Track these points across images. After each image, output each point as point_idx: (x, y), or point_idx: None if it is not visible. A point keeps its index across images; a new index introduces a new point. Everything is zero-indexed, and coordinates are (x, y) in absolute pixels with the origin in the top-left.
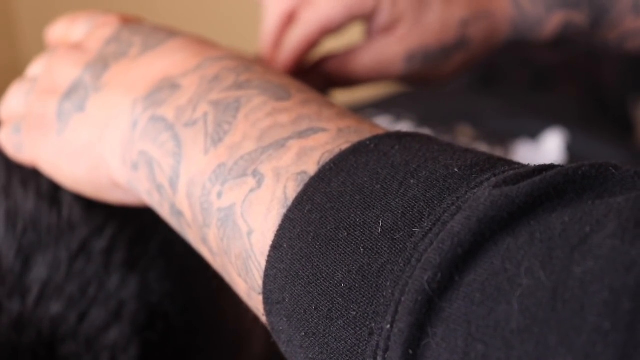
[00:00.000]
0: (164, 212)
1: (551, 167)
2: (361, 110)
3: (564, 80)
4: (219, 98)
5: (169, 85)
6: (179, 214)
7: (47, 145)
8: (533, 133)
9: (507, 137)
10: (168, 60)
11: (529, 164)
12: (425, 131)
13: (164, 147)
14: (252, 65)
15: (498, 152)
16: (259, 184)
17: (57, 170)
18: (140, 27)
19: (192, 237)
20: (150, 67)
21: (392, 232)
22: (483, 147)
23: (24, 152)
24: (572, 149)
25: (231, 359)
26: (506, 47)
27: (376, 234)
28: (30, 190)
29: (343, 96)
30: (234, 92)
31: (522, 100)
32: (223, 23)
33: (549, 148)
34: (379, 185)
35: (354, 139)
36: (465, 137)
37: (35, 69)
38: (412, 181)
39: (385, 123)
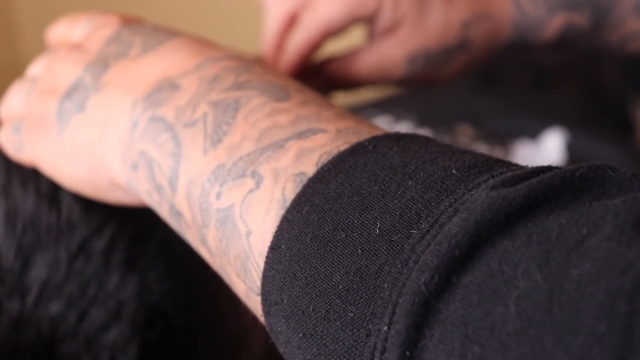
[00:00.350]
0: (164, 212)
1: (549, 168)
2: (361, 111)
3: (564, 80)
4: (219, 99)
5: (169, 86)
6: (178, 214)
7: (47, 145)
8: (533, 133)
9: (507, 137)
10: (168, 61)
11: (527, 166)
12: (425, 131)
13: (164, 148)
14: (252, 66)
15: (498, 152)
16: (258, 184)
17: (57, 170)
18: (140, 28)
19: (191, 237)
20: (151, 68)
21: (389, 233)
22: (483, 147)
23: (24, 152)
24: (572, 149)
25: (230, 359)
26: (507, 48)
27: (374, 235)
28: (29, 190)
29: (343, 97)
30: (234, 93)
31: (522, 100)
32: (223, 23)
33: (549, 148)
34: (377, 187)
35: (353, 139)
36: (465, 137)
37: (36, 69)
38: (410, 183)
39: (385, 123)
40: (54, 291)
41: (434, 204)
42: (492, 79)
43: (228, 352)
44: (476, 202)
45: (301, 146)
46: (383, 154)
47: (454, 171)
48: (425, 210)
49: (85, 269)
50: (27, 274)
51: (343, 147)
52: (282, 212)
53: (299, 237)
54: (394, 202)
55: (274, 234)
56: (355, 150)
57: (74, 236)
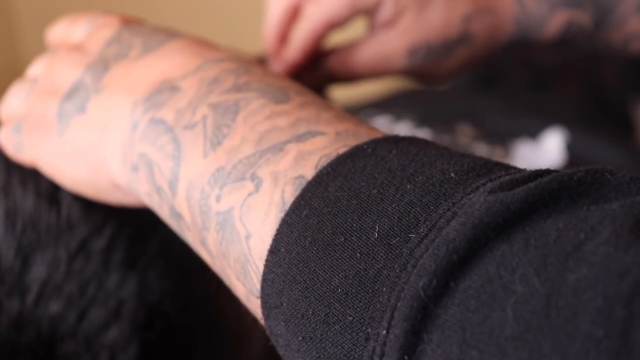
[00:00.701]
0: (164, 214)
1: (547, 172)
2: (361, 110)
3: (564, 80)
4: (219, 101)
5: (169, 88)
6: (178, 216)
7: (47, 146)
8: (533, 133)
9: (507, 137)
10: (168, 62)
11: (525, 169)
12: (425, 131)
13: (164, 150)
14: (252, 67)
15: (498, 151)
16: (257, 187)
17: (57, 171)
18: (140, 28)
19: (191, 239)
20: (151, 69)
21: (388, 237)
22: (483, 147)
23: (24, 152)
24: (572, 149)
25: (230, 358)
26: (509, 45)
27: (372, 239)
28: (29, 190)
29: (343, 95)
30: (234, 95)
31: (522, 100)
32: (223, 23)
33: (549, 148)
34: (376, 190)
35: (352, 142)
36: (465, 136)
37: (36, 69)
38: (408, 186)
39: (385, 123)
40: (54, 290)
41: (432, 207)
42: (492, 79)
43: (228, 352)
44: (474, 206)
45: (300, 149)
46: (382, 157)
47: (452, 174)
48: (424, 214)
49: (85, 269)
50: (26, 274)
51: (342, 150)
52: (281, 215)
53: (298, 241)
54: (393, 205)
55: (273, 237)
56: (354, 154)
57: (73, 235)
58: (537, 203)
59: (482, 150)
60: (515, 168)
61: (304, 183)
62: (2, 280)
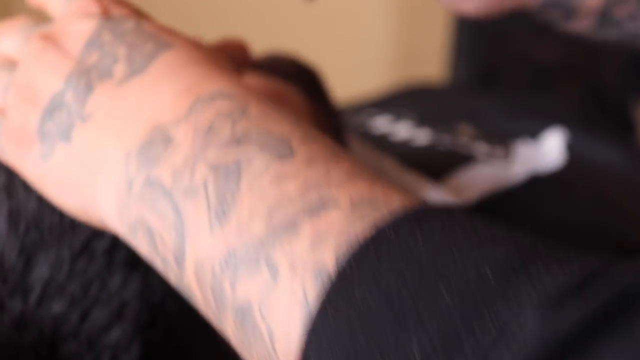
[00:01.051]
0: (170, 280)
1: (598, 273)
2: (361, 110)
3: (564, 80)
4: (218, 161)
5: (162, 139)
6: (187, 289)
7: (31, 166)
8: (533, 133)
9: (507, 137)
10: (157, 99)
11: (565, 257)
12: (425, 131)
13: (165, 220)
14: (248, 106)
15: (498, 151)
16: (274, 277)
17: (44, 193)
18: (123, 28)
19: (204, 312)
20: (139, 106)
21: (430, 359)
22: (483, 147)
23: (6, 155)
24: (572, 149)
25: (232, 359)
26: (545, 9)
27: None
28: (32, 190)
29: (343, 95)
30: (233, 150)
31: (523, 100)
32: (223, 22)
33: (549, 148)
34: (408, 295)
35: (369, 216)
36: (465, 136)
37: (9, 45)
38: (444, 292)
39: (385, 122)
40: (57, 291)
41: (474, 322)
42: (492, 78)
43: (230, 352)
44: (525, 336)
45: (315, 229)
46: (407, 246)
47: (488, 272)
48: (465, 330)
49: (88, 269)
50: (29, 274)
51: (361, 232)
52: (305, 317)
53: (330, 353)
54: (431, 319)
55: (301, 349)
56: (376, 240)
57: (76, 236)
58: (595, 326)
59: (482, 150)
60: (553, 256)
61: (325, 277)
62: (4, 280)
